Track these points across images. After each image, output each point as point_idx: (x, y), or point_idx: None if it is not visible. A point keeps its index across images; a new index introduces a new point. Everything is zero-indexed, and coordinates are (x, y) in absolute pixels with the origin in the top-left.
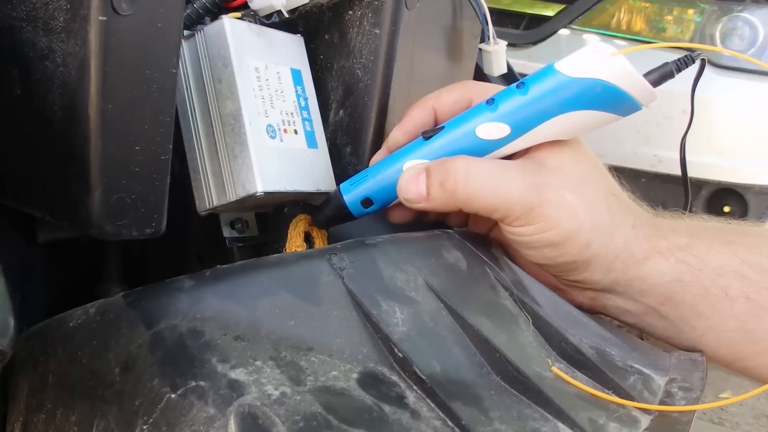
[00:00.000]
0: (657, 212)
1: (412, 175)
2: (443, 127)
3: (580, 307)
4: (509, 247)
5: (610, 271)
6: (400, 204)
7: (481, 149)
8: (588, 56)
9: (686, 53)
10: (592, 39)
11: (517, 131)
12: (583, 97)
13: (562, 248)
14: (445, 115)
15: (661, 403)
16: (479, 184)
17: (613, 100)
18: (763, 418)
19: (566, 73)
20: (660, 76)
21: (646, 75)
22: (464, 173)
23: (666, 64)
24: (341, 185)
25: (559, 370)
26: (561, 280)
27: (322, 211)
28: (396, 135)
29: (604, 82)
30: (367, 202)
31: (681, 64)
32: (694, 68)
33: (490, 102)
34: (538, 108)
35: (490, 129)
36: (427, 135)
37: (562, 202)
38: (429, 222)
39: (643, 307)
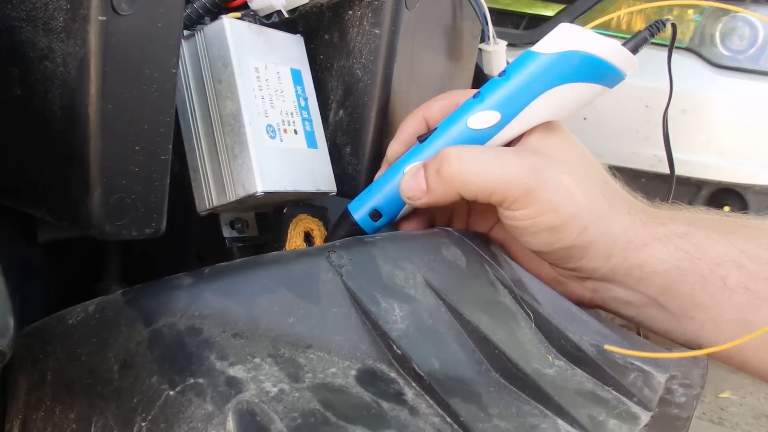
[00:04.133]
0: (654, 204)
1: (411, 174)
2: (436, 128)
3: (580, 300)
4: (508, 245)
5: (609, 257)
6: (409, 219)
7: (476, 140)
8: (560, 32)
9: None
10: None
11: (508, 116)
12: (562, 70)
13: (560, 232)
14: (435, 121)
15: (662, 400)
16: (473, 166)
17: (594, 70)
18: (763, 418)
19: (543, 51)
20: (636, 43)
21: (623, 44)
22: (457, 157)
23: (639, 31)
24: (349, 205)
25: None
26: (560, 270)
27: (335, 234)
28: (393, 147)
29: (581, 52)
30: (375, 214)
31: (653, 29)
32: (696, 69)
33: (477, 95)
34: (522, 89)
35: (480, 118)
36: (422, 138)
37: (559, 185)
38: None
39: (643, 297)
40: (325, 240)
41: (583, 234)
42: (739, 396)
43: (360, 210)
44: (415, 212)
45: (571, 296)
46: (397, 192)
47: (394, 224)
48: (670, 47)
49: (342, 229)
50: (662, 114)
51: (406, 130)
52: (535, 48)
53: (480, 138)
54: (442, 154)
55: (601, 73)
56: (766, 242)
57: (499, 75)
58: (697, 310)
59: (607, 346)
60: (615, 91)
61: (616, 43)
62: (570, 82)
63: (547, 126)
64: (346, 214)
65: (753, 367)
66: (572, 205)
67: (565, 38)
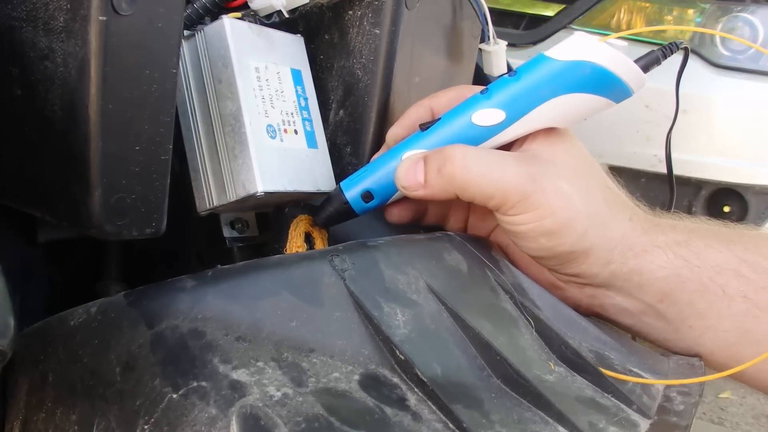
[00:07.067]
0: (656, 213)
1: (410, 164)
2: (440, 119)
3: (578, 306)
4: (508, 249)
5: (609, 263)
6: (398, 202)
7: (478, 136)
8: (576, 41)
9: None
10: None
11: (512, 116)
12: (572, 79)
13: (558, 237)
14: (441, 112)
15: (660, 407)
16: (476, 170)
17: (603, 83)
18: (763, 418)
19: (556, 57)
20: (647, 62)
21: (634, 61)
22: (461, 158)
23: (652, 51)
24: (342, 182)
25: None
26: (559, 275)
27: (324, 210)
28: (395, 129)
29: (593, 63)
30: (367, 195)
31: (666, 51)
32: (696, 69)
33: (485, 91)
34: (530, 92)
35: (485, 115)
36: (425, 126)
37: (558, 191)
38: (427, 225)
39: (642, 305)
40: (314, 215)
41: (582, 239)
42: (739, 396)
43: (352, 189)
44: (408, 198)
45: (569, 302)
46: (392, 177)
47: (383, 211)
48: (680, 71)
49: (331, 206)
50: (661, 113)
51: (411, 116)
52: (549, 53)
53: (482, 135)
54: (447, 153)
55: (610, 87)
56: (767, 252)
57: (510, 74)
58: (696, 319)
59: (603, 370)
60: None
61: (629, 60)
62: (578, 92)
63: (551, 130)
64: (338, 191)
65: (749, 377)
66: (570, 210)
67: (580, 48)
